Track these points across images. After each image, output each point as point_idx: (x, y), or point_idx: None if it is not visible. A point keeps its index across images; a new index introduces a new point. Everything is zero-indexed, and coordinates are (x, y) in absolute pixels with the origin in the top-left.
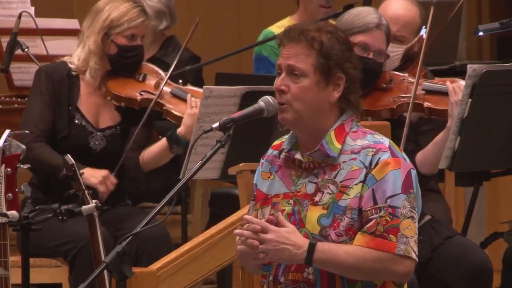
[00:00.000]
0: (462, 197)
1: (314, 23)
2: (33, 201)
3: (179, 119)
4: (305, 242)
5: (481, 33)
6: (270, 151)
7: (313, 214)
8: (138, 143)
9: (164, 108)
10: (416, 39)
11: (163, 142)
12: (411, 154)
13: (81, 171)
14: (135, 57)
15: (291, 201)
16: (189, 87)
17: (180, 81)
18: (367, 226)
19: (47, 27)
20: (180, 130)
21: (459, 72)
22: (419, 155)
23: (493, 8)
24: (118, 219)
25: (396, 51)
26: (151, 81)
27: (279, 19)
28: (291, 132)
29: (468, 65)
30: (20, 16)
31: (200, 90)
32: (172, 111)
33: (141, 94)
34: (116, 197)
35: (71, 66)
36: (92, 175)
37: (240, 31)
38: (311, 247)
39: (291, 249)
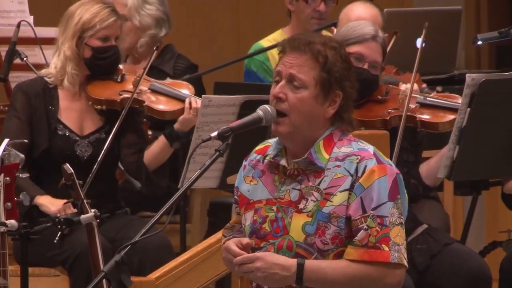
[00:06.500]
0: (461, 206)
1: (319, 36)
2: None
3: (160, 113)
4: (292, 262)
5: (479, 42)
6: (253, 155)
7: (298, 222)
8: (134, 146)
9: (144, 104)
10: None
11: (162, 140)
12: (413, 166)
13: (39, 201)
14: (110, 57)
15: (274, 208)
16: (168, 80)
17: (168, 78)
18: (358, 239)
19: (45, 36)
20: (176, 125)
21: (458, 81)
22: (424, 168)
23: (492, 17)
24: (117, 228)
25: None
26: (129, 81)
27: (277, 28)
28: (277, 138)
29: (467, 74)
30: (19, 25)
31: (180, 81)
32: (153, 106)
33: (120, 95)
34: (113, 203)
35: (47, 79)
36: (52, 203)
37: (239, 40)
38: (300, 268)
39: (280, 272)
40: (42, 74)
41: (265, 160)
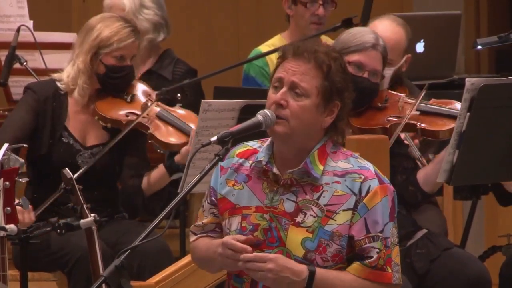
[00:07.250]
0: (460, 211)
1: (321, 44)
2: None
3: (163, 144)
4: (302, 268)
5: (479, 47)
6: (235, 158)
7: (296, 236)
8: (135, 169)
9: (149, 131)
10: (404, 59)
11: (161, 170)
12: (412, 172)
13: None
14: (123, 77)
15: (267, 216)
16: (179, 110)
17: (179, 94)
18: (370, 260)
19: (45, 41)
20: (176, 158)
21: (457, 86)
22: (421, 175)
23: (491, 21)
24: (116, 233)
25: (385, 73)
26: (139, 102)
27: (278, 32)
28: (268, 143)
29: (467, 79)
30: (18, 30)
31: (191, 113)
32: (156, 135)
33: (127, 116)
34: (112, 208)
35: (59, 84)
36: None
37: (239, 44)
38: (311, 275)
39: (290, 276)
40: (55, 78)
41: (252, 165)
